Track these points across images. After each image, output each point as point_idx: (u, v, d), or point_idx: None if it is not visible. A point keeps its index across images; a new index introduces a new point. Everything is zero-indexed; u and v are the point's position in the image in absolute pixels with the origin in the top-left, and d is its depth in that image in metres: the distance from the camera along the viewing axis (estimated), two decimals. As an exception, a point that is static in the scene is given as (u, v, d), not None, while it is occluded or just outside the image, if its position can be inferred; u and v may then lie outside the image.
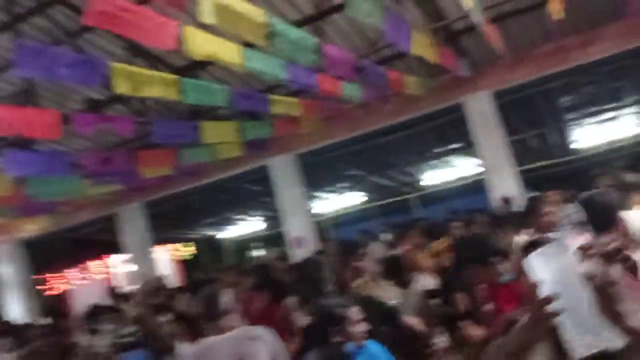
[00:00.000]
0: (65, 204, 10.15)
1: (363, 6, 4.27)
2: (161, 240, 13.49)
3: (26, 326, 7.12)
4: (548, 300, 1.23)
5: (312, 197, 13.29)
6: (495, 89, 8.62)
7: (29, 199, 7.06)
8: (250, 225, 16.64)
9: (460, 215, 7.46)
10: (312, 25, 6.84)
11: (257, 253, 15.66)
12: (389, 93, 7.45)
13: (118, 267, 13.88)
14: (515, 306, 2.55)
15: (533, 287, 1.29)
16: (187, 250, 16.52)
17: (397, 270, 4.58)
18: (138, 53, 7.05)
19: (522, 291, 2.21)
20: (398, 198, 15.35)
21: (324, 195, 14.49)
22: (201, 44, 4.17)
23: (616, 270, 1.19)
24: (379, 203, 15.47)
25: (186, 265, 15.77)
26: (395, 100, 8.19)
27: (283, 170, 10.17)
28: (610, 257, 1.20)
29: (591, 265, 1.22)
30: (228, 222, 16.12)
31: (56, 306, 12.28)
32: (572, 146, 13.15)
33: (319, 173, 11.58)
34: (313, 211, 13.43)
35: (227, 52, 4.50)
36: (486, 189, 8.78)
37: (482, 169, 9.31)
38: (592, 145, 12.96)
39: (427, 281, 4.49)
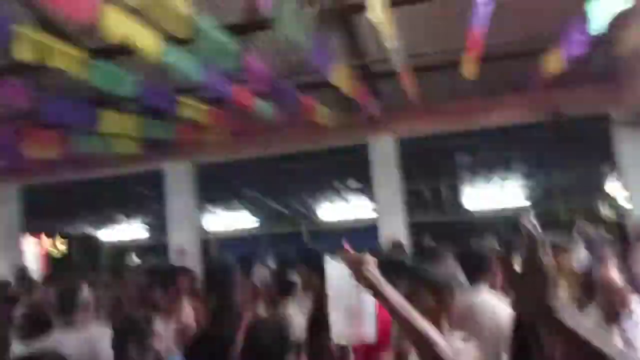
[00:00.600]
0: None
1: (292, 26, 4.24)
2: (34, 230, 12.54)
3: None
4: None
5: (204, 211, 12.95)
6: (400, 135, 8.89)
7: None
8: (134, 230, 15.90)
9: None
10: (238, 34, 6.72)
11: (136, 260, 14.91)
12: (300, 119, 7.44)
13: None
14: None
15: None
16: (60, 246, 15.46)
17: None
18: (49, 28, 6.58)
19: None
20: (291, 230, 15.34)
21: (215, 210, 14.18)
22: (119, 25, 3.93)
23: None
24: (269, 231, 15.37)
25: (56, 261, 14.73)
26: (305, 128, 8.20)
27: (178, 178, 9.82)
28: None
29: None
30: (111, 222, 15.30)
31: None
32: (463, 205, 13.81)
33: (215, 187, 11.32)
34: (202, 226, 13.10)
35: (145, 39, 4.27)
36: (377, 232, 8.96)
37: (375, 212, 9.50)
38: (480, 208, 13.67)
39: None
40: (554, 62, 5.82)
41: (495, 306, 3.22)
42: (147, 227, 15.47)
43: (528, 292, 1.16)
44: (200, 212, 10.66)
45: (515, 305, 1.34)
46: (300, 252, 4.63)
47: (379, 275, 1.82)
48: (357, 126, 8.80)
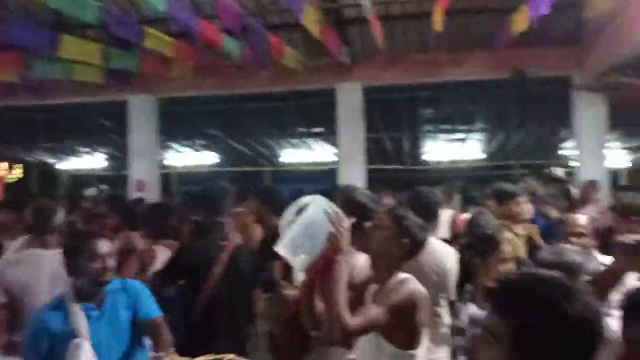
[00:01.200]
0: None
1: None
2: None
3: None
4: None
5: (165, 147, 12.87)
6: (367, 83, 8.93)
7: None
8: (94, 161, 15.67)
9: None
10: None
11: (94, 190, 14.74)
12: (267, 60, 7.41)
13: None
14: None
15: None
16: (15, 171, 15.20)
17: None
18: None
19: None
20: (252, 168, 15.37)
21: (178, 147, 14.09)
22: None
23: None
24: (232, 169, 15.37)
25: (11, 186, 14.51)
26: (272, 69, 8.16)
27: (141, 111, 9.69)
28: None
29: None
30: (71, 152, 15.04)
31: None
32: (423, 157, 14.06)
33: (179, 124, 11.24)
34: (163, 160, 13.05)
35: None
36: (337, 177, 9.12)
37: (336, 158, 9.63)
38: (439, 159, 13.96)
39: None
40: (520, 21, 5.91)
41: (435, 245, 3.42)
42: (107, 158, 15.27)
43: None
44: (161, 146, 10.61)
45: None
46: (256, 188, 4.75)
47: (347, 242, 2.14)
48: (324, 71, 8.80)
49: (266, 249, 3.84)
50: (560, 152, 12.78)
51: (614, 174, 11.76)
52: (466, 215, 4.85)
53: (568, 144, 10.82)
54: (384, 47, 7.66)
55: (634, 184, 11.11)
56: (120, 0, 7.24)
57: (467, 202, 6.11)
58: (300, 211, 2.24)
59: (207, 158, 15.07)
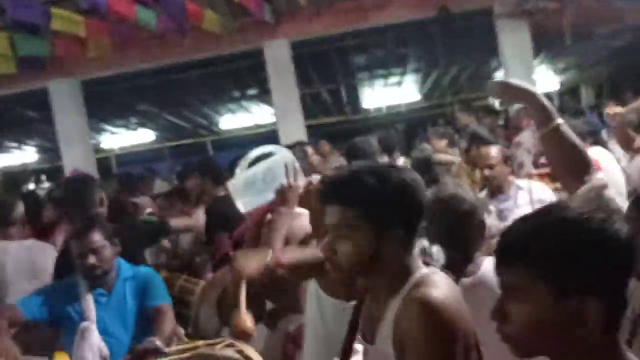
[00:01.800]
0: None
1: None
2: None
3: None
4: None
5: (97, 130, 12.44)
6: (294, 38, 8.76)
7: None
8: (24, 155, 15.00)
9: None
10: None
11: (31, 185, 14.14)
12: (187, 26, 7.13)
13: None
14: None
15: None
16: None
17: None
18: None
19: None
20: (191, 140, 15.05)
21: (111, 129, 13.62)
22: None
23: None
24: (172, 144, 15.04)
25: None
26: (194, 36, 7.86)
27: (64, 97, 9.22)
28: None
29: None
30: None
31: None
32: (361, 104, 14.07)
33: (107, 104, 10.81)
34: (98, 145, 12.62)
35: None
36: (278, 138, 9.00)
37: (274, 117, 9.50)
38: (378, 106, 14.01)
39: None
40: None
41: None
42: (37, 151, 14.63)
43: None
44: (93, 130, 10.21)
45: None
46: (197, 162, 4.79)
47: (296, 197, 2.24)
48: (248, 32, 8.55)
49: (212, 218, 3.81)
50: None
51: (546, 98, 12.01)
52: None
53: (499, 73, 10.99)
54: (307, 0, 7.49)
55: (565, 105, 11.42)
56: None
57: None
58: (260, 159, 2.34)
59: (145, 136, 14.67)
